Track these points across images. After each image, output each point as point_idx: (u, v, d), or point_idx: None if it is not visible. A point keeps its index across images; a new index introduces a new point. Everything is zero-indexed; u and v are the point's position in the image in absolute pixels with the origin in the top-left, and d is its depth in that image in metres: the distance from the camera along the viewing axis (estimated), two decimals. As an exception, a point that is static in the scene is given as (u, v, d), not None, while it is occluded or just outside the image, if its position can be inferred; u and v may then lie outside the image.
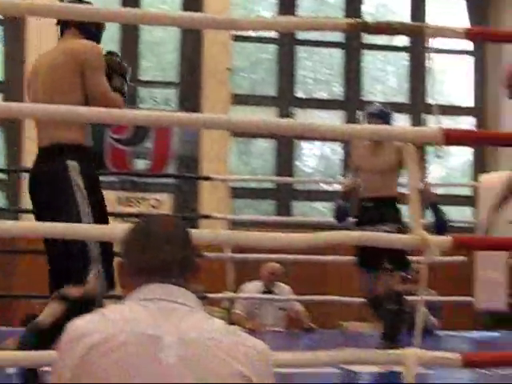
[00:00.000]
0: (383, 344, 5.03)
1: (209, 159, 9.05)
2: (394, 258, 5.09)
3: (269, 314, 7.26)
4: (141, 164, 9.15)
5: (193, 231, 3.31)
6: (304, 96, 10.12)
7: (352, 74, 10.12)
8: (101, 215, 3.68)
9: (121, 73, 3.85)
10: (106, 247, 3.56)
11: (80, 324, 1.65)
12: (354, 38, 10.08)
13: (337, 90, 10.29)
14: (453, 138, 3.09)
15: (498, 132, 3.64)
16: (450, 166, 10.84)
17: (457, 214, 10.14)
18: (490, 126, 10.01)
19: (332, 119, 10.00)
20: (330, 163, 10.52)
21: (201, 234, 3.36)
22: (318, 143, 10.37)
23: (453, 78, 10.58)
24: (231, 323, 7.53)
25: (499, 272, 6.19)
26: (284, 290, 7.39)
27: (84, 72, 3.62)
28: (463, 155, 10.58)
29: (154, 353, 1.59)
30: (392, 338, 5.08)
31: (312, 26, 3.18)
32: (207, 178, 7.65)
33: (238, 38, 9.67)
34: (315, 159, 10.54)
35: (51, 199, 3.57)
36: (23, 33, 8.80)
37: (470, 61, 10.53)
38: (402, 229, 5.18)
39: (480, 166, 10.19)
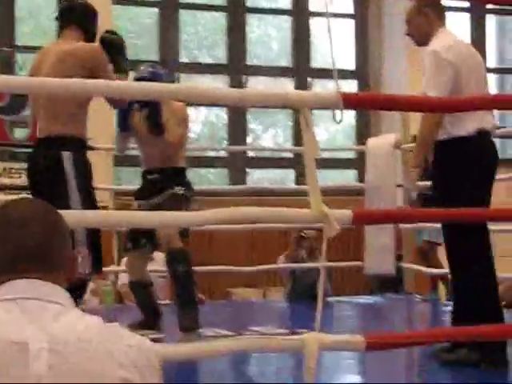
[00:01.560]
0: (183, 312, 4.63)
1: (93, 127, 8.76)
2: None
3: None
4: (20, 133, 8.81)
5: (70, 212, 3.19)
6: (188, 61, 9.95)
7: (236, 38, 10.00)
8: (91, 202, 3.96)
9: (123, 52, 4.25)
10: (92, 231, 3.83)
11: None
12: (238, 2, 9.96)
13: (220, 55, 10.16)
14: (352, 101, 3.02)
15: (396, 95, 3.59)
16: (331, 130, 10.91)
17: (341, 177, 10.26)
18: (372, 89, 10.11)
19: (216, 84, 9.87)
20: (215, 129, 10.42)
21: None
22: (202, 109, 10.25)
23: (334, 42, 10.60)
24: (119, 296, 7.39)
25: (388, 236, 6.25)
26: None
27: (94, 74, 3.87)
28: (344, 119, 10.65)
29: (21, 362, 1.36)
30: (190, 303, 4.63)
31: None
32: (90, 148, 7.39)
33: (118, 1, 9.39)
34: (200, 125, 10.41)
35: (46, 185, 3.86)
36: None
37: (350, 24, 10.57)
38: (190, 193, 4.88)
39: (363, 129, 10.29)
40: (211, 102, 3.30)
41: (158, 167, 4.95)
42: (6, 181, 8.40)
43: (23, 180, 8.45)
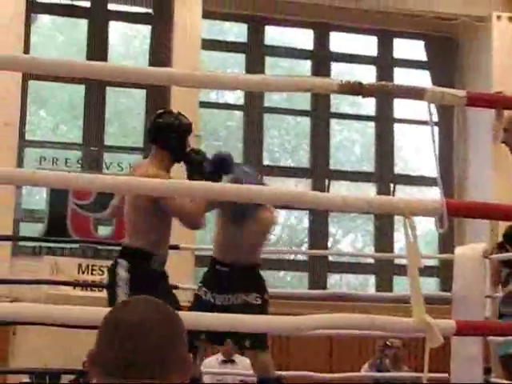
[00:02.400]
0: None
1: (174, 228, 8.82)
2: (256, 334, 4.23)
3: (230, 387, 6.99)
4: (104, 231, 8.91)
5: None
6: (271, 163, 10.02)
7: (319, 143, 10.06)
8: None
9: (203, 170, 4.36)
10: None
11: None
12: (322, 107, 10.06)
13: (303, 159, 10.22)
14: (457, 209, 2.92)
15: (502, 205, 3.48)
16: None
17: (422, 286, 10.03)
18: (457, 196, 9.99)
19: (299, 187, 9.90)
20: (295, 232, 10.40)
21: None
22: (283, 212, 10.25)
23: (418, 148, 10.59)
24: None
25: (476, 348, 6.03)
26: (246, 362, 7.07)
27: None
28: (425, 225, 10.52)
29: None
30: None
31: (299, 87, 3.01)
32: (175, 247, 7.41)
33: (204, 105, 9.58)
34: (279, 228, 10.40)
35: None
36: None
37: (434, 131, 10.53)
38: (265, 299, 4.55)
39: (446, 236, 10.10)
40: (297, 206, 3.22)
41: (229, 260, 4.58)
42: (88, 278, 8.47)
43: (105, 277, 8.52)
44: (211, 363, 7.06)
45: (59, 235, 8.42)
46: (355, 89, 2.88)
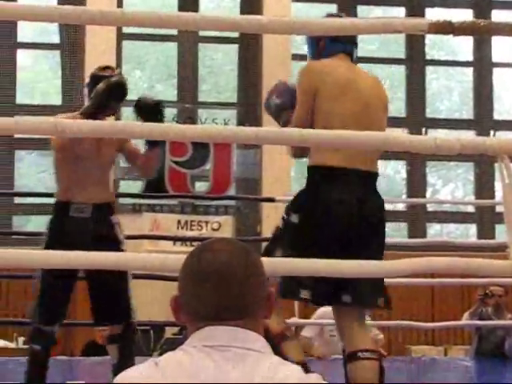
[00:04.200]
0: None
1: (270, 181, 8.87)
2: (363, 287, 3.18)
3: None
4: (201, 186, 9.01)
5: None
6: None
7: (415, 91, 9.88)
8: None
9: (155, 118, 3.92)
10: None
11: (130, 377, 1.41)
12: (416, 55, 9.86)
13: (399, 107, 10.05)
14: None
15: None
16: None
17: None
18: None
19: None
20: (392, 183, 10.28)
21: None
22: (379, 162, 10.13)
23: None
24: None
25: None
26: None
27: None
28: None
29: None
30: None
31: (387, 28, 2.92)
32: (270, 200, 7.42)
33: (297, 57, 9.50)
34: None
35: None
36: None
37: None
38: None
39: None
40: (412, 150, 3.03)
41: None
42: (187, 233, 8.58)
43: (202, 232, 8.63)
44: (323, 313, 6.55)
45: (158, 192, 8.53)
46: (446, 28, 2.77)
